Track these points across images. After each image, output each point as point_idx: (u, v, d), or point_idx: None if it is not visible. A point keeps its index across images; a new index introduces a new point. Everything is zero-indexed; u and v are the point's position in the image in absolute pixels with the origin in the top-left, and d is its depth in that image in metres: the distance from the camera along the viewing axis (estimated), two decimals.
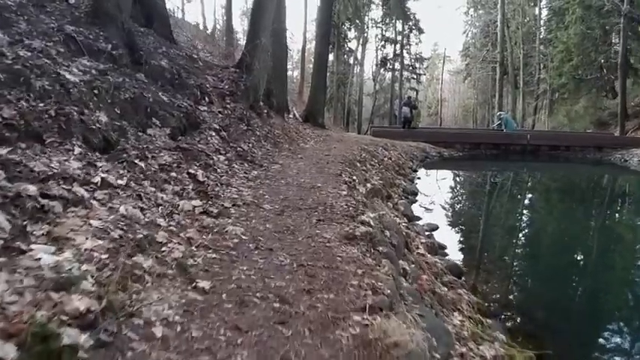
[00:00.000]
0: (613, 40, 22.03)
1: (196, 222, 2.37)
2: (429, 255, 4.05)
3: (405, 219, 5.12)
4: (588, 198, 9.46)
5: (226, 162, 3.97)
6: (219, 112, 5.19)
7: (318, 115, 12.35)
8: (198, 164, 3.40)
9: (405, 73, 28.16)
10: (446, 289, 3.16)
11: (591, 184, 11.82)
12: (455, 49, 74.82)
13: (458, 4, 52.18)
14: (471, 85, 38.18)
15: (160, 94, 4.16)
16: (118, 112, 3.21)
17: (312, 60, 14.46)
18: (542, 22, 27.94)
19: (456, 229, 6.32)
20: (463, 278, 3.85)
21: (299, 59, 25.34)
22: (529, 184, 11.57)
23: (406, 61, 28.23)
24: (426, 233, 5.16)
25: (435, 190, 9.10)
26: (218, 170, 3.58)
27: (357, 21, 26.29)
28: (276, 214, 2.82)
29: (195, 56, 6.76)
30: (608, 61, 21.65)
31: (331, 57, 23.63)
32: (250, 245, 2.22)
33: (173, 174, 2.90)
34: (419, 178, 9.63)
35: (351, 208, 3.12)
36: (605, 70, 22.16)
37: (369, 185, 5.16)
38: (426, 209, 6.88)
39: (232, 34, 18.39)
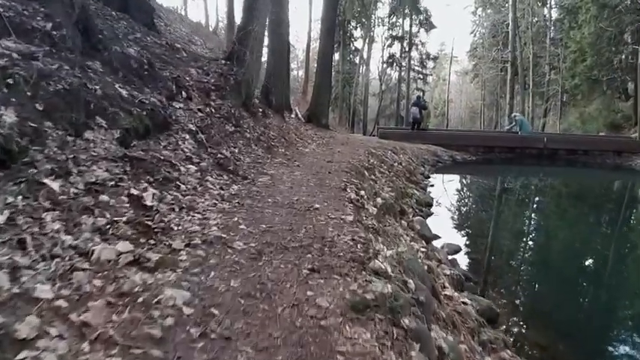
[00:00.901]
0: (629, 40, 20.91)
1: (113, 284, 1.48)
2: (456, 293, 3.21)
3: (422, 242, 4.24)
4: (623, 211, 8.46)
5: (198, 174, 3.09)
6: (200, 109, 4.31)
7: (321, 116, 11.50)
8: (152, 179, 2.52)
9: (412, 74, 27.29)
10: (489, 358, 2.27)
11: (620, 193, 10.83)
12: (462, 49, 73.66)
13: (466, 3, 50.98)
14: (478, 86, 37.16)
15: (116, 86, 3.28)
16: (41, 108, 2.33)
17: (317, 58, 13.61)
18: (552, 21, 26.92)
19: (479, 248, 5.44)
20: (502, 328, 3.04)
21: (304, 59, 24.47)
22: (550, 191, 10.61)
23: (413, 62, 27.34)
24: (449, 258, 4.31)
25: (451, 200, 8.22)
26: (182, 187, 2.69)
27: (364, 19, 25.41)
28: (249, 259, 1.92)
29: (179, 46, 5.88)
30: (622, 61, 20.56)
31: (337, 56, 22.83)
32: (192, 330, 1.33)
33: (104, 197, 2.02)
34: (432, 185, 8.70)
35: (359, 245, 2.22)
36: (620, 71, 21.04)
37: (379, 200, 4.27)
38: (443, 220, 6.06)
39: (234, 29, 17.53)
